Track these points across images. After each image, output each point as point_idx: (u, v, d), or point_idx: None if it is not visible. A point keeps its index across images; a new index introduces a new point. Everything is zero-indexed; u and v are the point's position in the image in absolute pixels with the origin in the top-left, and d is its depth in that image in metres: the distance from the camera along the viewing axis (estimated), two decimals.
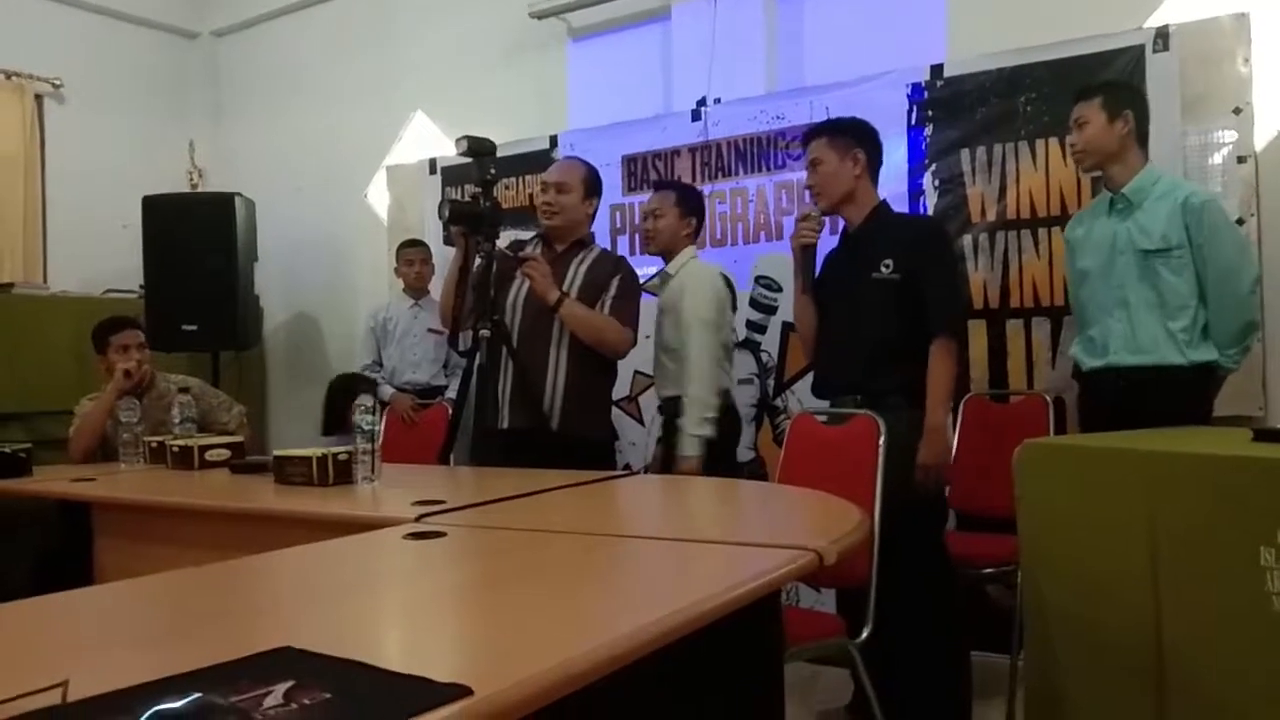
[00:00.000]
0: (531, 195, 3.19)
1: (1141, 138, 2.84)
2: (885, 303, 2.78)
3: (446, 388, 4.40)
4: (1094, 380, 2.85)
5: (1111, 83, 3.01)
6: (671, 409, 3.24)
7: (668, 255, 3.35)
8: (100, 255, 5.34)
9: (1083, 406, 2.94)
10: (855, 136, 2.93)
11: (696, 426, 3.06)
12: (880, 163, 3.00)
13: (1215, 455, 1.89)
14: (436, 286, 4.22)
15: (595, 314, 3.05)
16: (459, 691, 0.80)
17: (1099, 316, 2.81)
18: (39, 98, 5.34)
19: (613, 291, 3.08)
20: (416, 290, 4.54)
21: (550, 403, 3.03)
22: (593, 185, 3.19)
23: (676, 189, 3.45)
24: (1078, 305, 2.95)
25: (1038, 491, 2.16)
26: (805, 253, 2.98)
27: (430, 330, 4.42)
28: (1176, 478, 1.90)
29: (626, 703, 1.11)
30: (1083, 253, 2.89)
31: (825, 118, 3.72)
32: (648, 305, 3.40)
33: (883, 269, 2.79)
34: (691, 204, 3.38)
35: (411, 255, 4.54)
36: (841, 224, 3.02)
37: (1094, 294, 2.84)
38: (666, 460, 3.32)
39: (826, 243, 3.07)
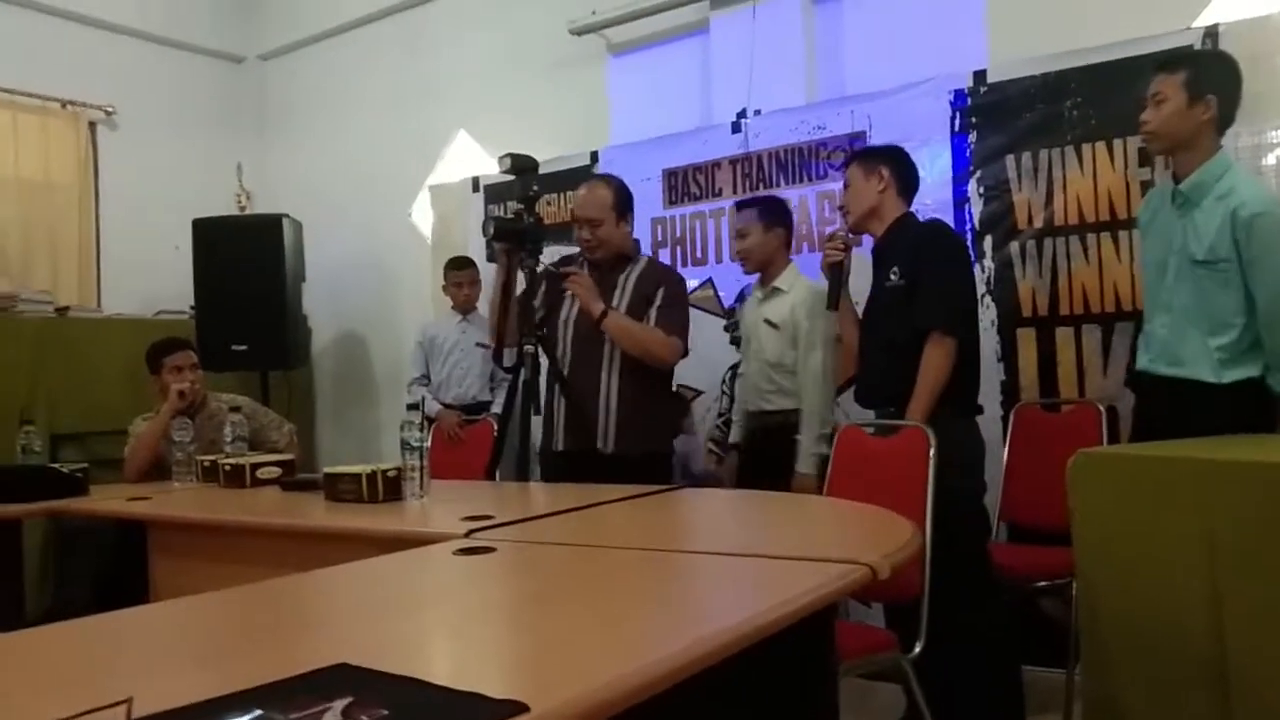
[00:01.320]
0: (573, 211, 3.22)
1: (1224, 122, 2.59)
2: (895, 308, 2.81)
3: (492, 403, 4.42)
4: (1139, 381, 2.79)
5: (1200, 56, 2.82)
6: (769, 422, 3.33)
7: (765, 271, 3.42)
8: (152, 277, 5.45)
9: (1135, 406, 2.88)
10: (881, 156, 3.00)
11: (815, 444, 3.14)
12: (911, 180, 3.01)
13: (1273, 463, 1.84)
14: (485, 303, 4.27)
15: (639, 325, 3.07)
16: (514, 708, 0.80)
17: (1150, 315, 2.73)
18: (92, 125, 5.47)
19: (658, 302, 3.11)
20: (464, 309, 4.58)
21: (605, 425, 3.06)
22: (623, 205, 3.20)
23: (758, 204, 3.48)
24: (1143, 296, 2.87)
25: (1093, 502, 2.12)
26: (833, 271, 3.05)
27: (479, 344, 4.46)
28: (1234, 486, 1.86)
29: (679, 718, 1.10)
30: (1147, 241, 2.79)
31: (867, 127, 3.74)
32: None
33: (892, 276, 2.84)
34: (775, 215, 3.44)
35: (460, 278, 4.57)
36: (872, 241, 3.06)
37: (1148, 290, 2.75)
38: (746, 471, 3.41)
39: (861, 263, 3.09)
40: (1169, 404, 2.62)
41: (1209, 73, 2.61)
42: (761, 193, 3.91)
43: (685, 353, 3.18)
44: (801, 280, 3.40)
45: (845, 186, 3.05)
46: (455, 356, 4.50)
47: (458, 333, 4.53)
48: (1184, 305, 2.58)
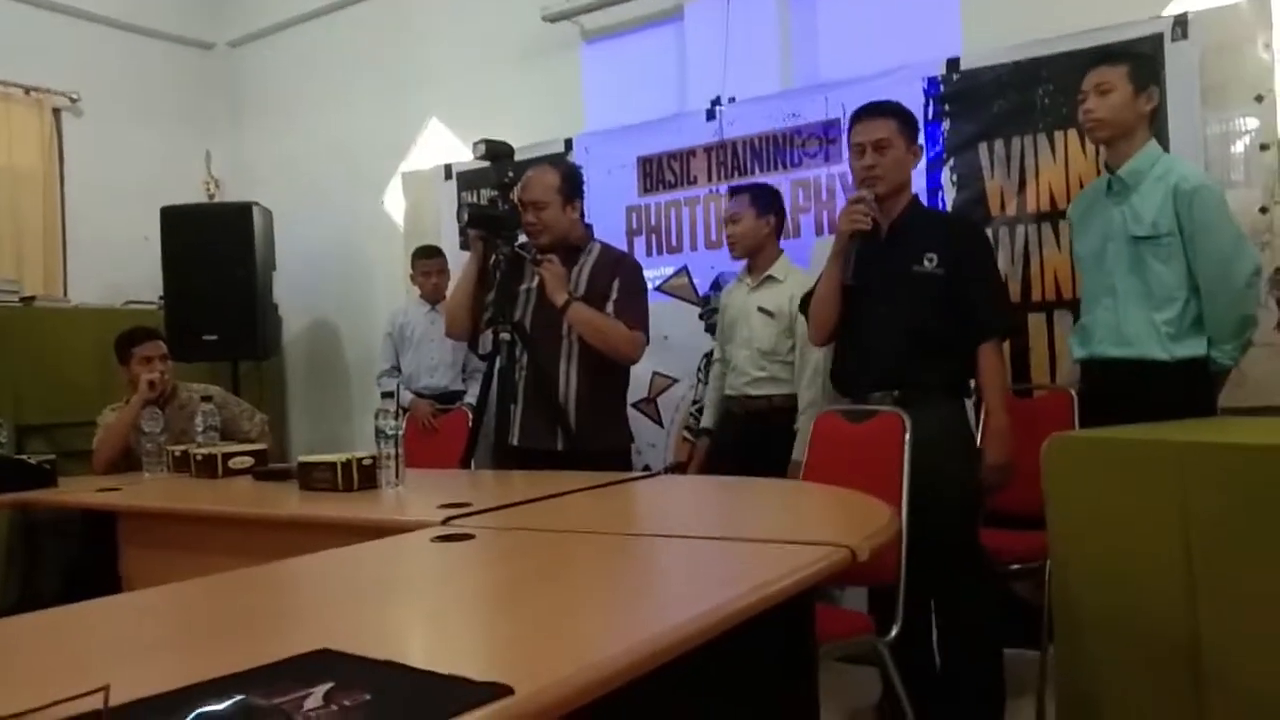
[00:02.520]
0: (519, 194, 3.11)
1: (1154, 115, 2.75)
2: (927, 296, 2.67)
3: (464, 392, 4.40)
4: (1085, 371, 2.82)
5: (1136, 53, 2.90)
6: (753, 406, 3.37)
7: (754, 259, 3.44)
8: (120, 267, 5.38)
9: (1081, 397, 2.91)
10: (918, 130, 2.85)
11: None
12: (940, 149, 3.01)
13: (1248, 445, 1.87)
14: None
15: (603, 318, 2.96)
16: (499, 690, 0.80)
17: (1090, 305, 2.77)
18: (57, 112, 5.37)
19: (614, 295, 3.00)
20: (433, 299, 4.55)
21: (564, 420, 2.96)
22: (570, 188, 3.07)
23: (750, 190, 3.51)
24: (1081, 289, 2.91)
25: (1066, 486, 2.13)
26: (854, 239, 2.74)
27: (448, 334, 4.42)
28: (1209, 468, 1.88)
29: (661, 702, 1.09)
30: (1079, 236, 2.85)
31: (841, 114, 3.74)
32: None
33: (925, 262, 2.68)
34: (767, 202, 3.45)
35: (428, 266, 4.54)
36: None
37: (1087, 280, 2.79)
38: (723, 454, 3.43)
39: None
40: (1119, 386, 2.65)
41: (1147, 67, 2.75)
42: (751, 180, 3.86)
43: (647, 343, 3.09)
44: (795, 270, 3.41)
45: (880, 145, 2.72)
46: (426, 347, 4.47)
47: (427, 323, 4.49)
48: (1126, 285, 2.64)
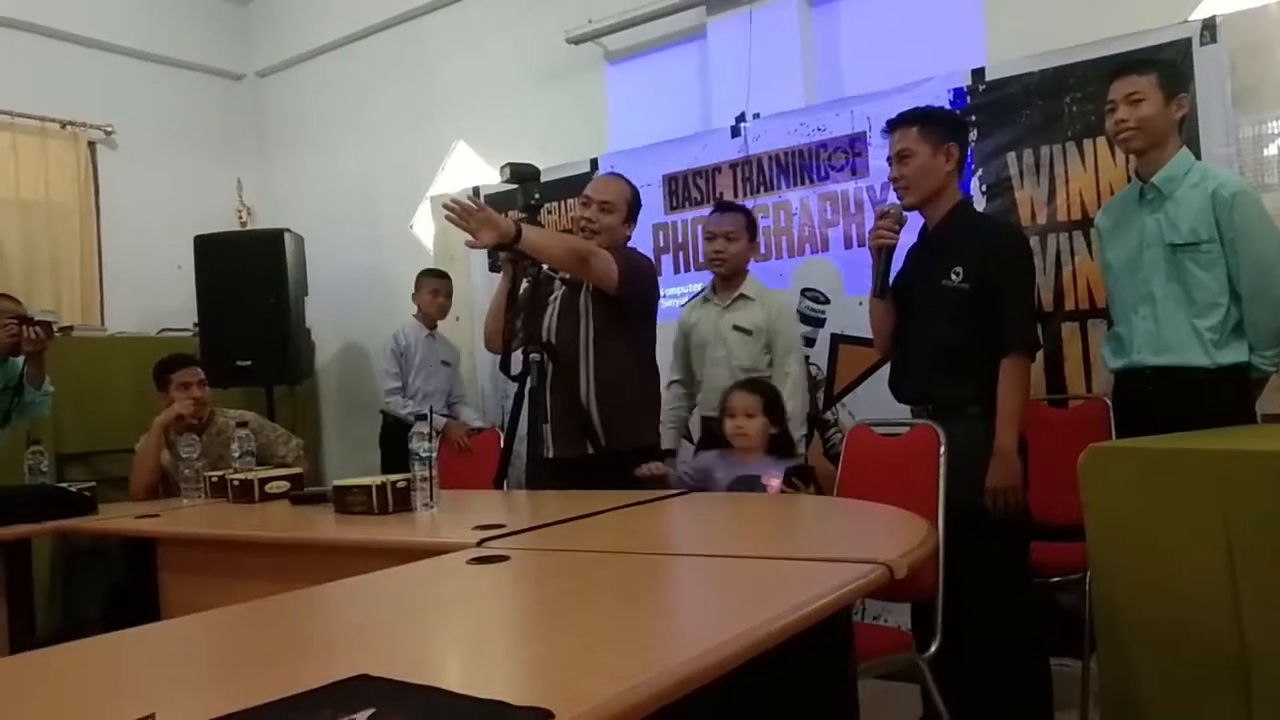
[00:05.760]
0: (574, 219, 3.15)
1: (1183, 123, 2.71)
2: (953, 311, 2.65)
3: (447, 420, 4.36)
4: (1120, 380, 2.77)
5: (1164, 61, 2.89)
6: None
7: (732, 276, 3.42)
8: (155, 295, 5.47)
9: (1115, 408, 2.86)
10: (950, 129, 2.80)
11: (799, 445, 3.22)
12: (968, 157, 2.91)
13: None
14: (450, 320, 4.61)
15: (558, 233, 2.91)
16: (540, 715, 0.80)
17: (1125, 314, 2.72)
18: (92, 145, 5.48)
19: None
20: (431, 322, 4.58)
21: (590, 425, 2.97)
22: (635, 208, 3.14)
23: (745, 212, 3.49)
24: (1108, 299, 2.87)
25: (1105, 496, 2.11)
26: (882, 254, 2.79)
27: (444, 362, 4.50)
28: (1249, 477, 1.85)
29: None
30: (1110, 245, 2.80)
31: (867, 128, 3.73)
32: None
33: (953, 276, 2.66)
34: (755, 227, 3.50)
35: (437, 286, 4.58)
36: (920, 221, 2.87)
37: (1119, 289, 2.75)
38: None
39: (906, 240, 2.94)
40: (1159, 395, 2.60)
41: (1176, 74, 2.73)
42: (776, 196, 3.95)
43: (621, 278, 2.94)
44: (766, 290, 3.48)
45: (901, 156, 2.74)
46: (426, 371, 4.49)
47: (426, 347, 4.52)
48: (1165, 293, 2.60)
